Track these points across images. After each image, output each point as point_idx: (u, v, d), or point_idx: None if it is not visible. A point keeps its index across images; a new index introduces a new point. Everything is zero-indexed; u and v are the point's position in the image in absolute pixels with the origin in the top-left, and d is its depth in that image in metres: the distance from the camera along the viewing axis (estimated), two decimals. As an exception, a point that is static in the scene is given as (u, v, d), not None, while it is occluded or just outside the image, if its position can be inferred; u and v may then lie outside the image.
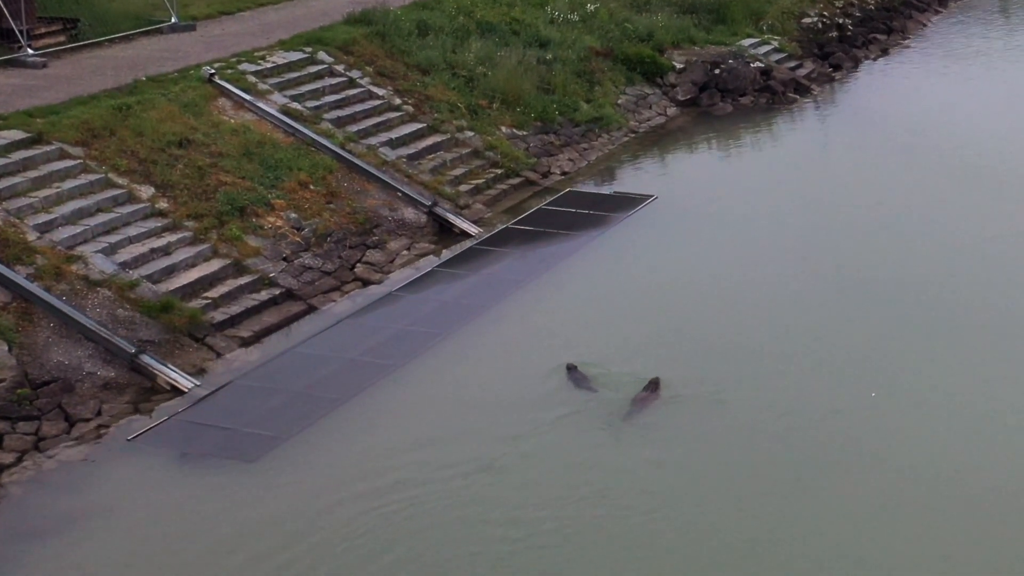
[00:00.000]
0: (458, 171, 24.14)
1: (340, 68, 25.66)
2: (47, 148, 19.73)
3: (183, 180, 20.19)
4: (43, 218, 18.31)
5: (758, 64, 32.43)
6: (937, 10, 43.52)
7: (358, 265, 20.40)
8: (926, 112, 30.09)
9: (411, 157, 23.83)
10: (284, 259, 19.67)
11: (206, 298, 18.22)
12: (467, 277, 20.26)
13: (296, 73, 24.95)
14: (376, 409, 16.05)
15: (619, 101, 29.47)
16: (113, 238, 18.54)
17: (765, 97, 31.49)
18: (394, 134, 24.32)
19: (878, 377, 16.48)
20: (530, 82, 27.40)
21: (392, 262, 20.78)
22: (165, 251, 18.78)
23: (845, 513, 13.52)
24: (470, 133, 25.38)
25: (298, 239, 20.20)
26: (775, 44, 34.48)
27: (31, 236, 17.89)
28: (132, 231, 18.85)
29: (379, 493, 14.03)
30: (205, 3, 30.21)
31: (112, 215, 18.97)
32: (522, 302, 19.27)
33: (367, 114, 24.67)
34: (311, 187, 21.49)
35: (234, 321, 18.06)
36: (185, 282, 18.29)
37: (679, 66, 31.60)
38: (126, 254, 18.36)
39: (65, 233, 18.21)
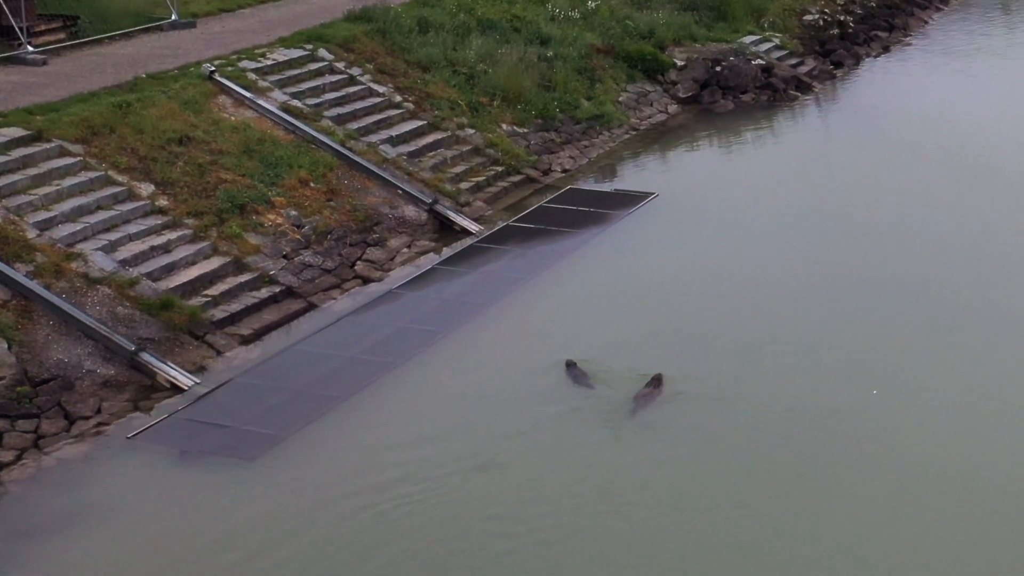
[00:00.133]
0: (459, 168, 24.12)
1: (340, 65, 25.63)
2: (47, 145, 19.71)
3: (183, 178, 20.17)
4: (43, 216, 18.29)
5: (759, 61, 32.38)
6: (939, 7, 43.47)
7: (358, 263, 20.38)
8: (927, 109, 30.05)
9: (412, 154, 23.80)
10: (284, 257, 19.65)
11: (206, 296, 18.21)
12: (467, 275, 20.24)
13: (296, 70, 24.92)
14: (376, 407, 16.03)
15: (620, 98, 29.44)
16: (113, 236, 18.52)
17: (766, 94, 31.45)
18: (394, 131, 24.29)
19: (879, 375, 16.45)
20: (531, 79, 27.37)
21: (392, 260, 20.76)
22: (165, 249, 18.76)
23: (846, 511, 13.50)
24: (471, 130, 25.35)
25: (298, 237, 20.18)
26: (776, 41, 34.44)
27: (31, 234, 17.87)
28: (132, 229, 18.84)
29: (379, 491, 14.02)
30: (205, 0, 30.18)
31: (112, 213, 18.95)
32: (523, 300, 19.25)
33: (367, 111, 24.65)
34: (311, 185, 21.46)
35: (234, 319, 18.04)
36: (185, 280, 18.28)
37: (680, 63, 31.58)
38: (126, 252, 18.34)
39: (65, 231, 18.19)
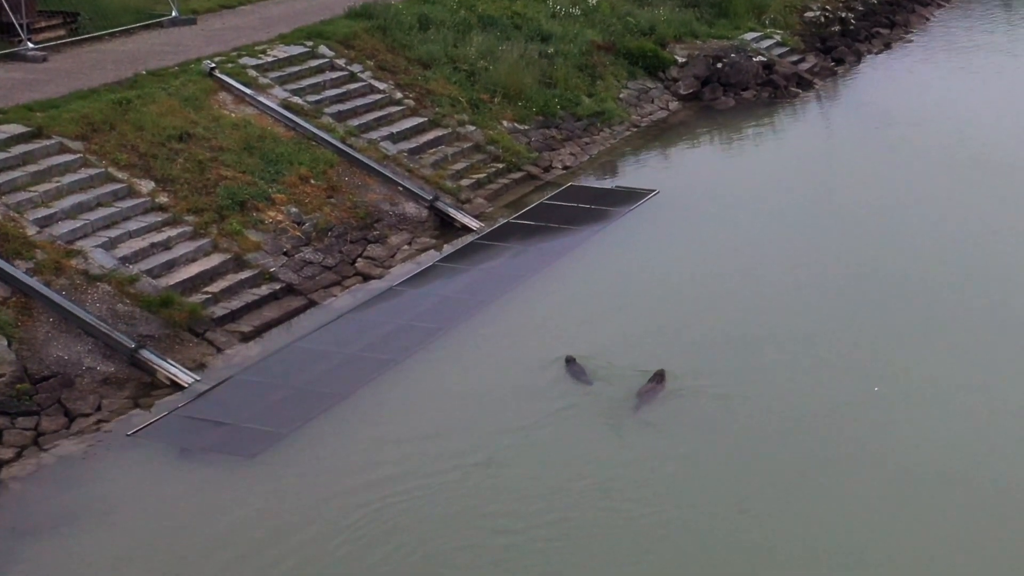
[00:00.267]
0: (459, 165, 24.09)
1: (341, 62, 25.59)
2: (47, 142, 19.69)
3: (183, 174, 20.14)
4: (43, 212, 18.27)
5: (760, 58, 32.34)
6: (940, 4, 43.42)
7: (359, 260, 20.36)
8: (928, 106, 30.00)
9: (412, 151, 23.77)
10: (285, 254, 19.62)
11: (206, 293, 18.18)
12: (468, 272, 20.21)
13: (297, 67, 24.89)
14: (377, 404, 16.01)
15: (621, 95, 29.40)
16: (113, 232, 18.49)
17: (767, 91, 31.40)
18: (395, 128, 24.26)
19: (881, 372, 16.43)
20: (532, 76, 27.34)
21: (393, 257, 20.74)
22: (165, 246, 18.73)
23: (848, 508, 13.48)
24: (471, 127, 25.32)
25: (299, 234, 20.15)
26: (777, 38, 34.40)
27: (31, 231, 17.84)
28: (132, 226, 18.81)
29: (379, 488, 14.00)
30: (206, -3, 30.17)
31: (112, 209, 18.92)
32: (523, 297, 19.22)
33: (368, 108, 24.61)
34: (312, 182, 21.43)
35: (234, 316, 18.02)
36: (185, 277, 18.25)
37: (681, 60, 31.54)
38: (126, 249, 18.31)
39: (65, 228, 18.16)
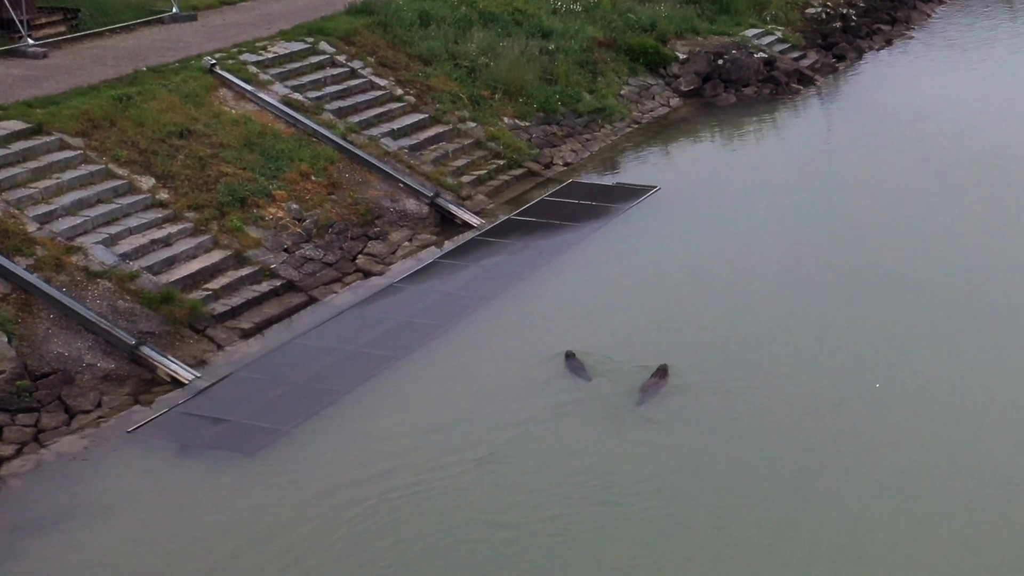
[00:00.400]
0: (460, 162, 24.07)
1: (342, 58, 25.57)
2: (47, 139, 19.67)
3: (184, 171, 20.13)
4: (43, 209, 18.25)
5: (762, 55, 32.31)
6: (942, 1, 43.37)
7: (359, 256, 20.34)
8: (929, 102, 29.97)
9: (413, 148, 23.75)
10: (285, 250, 19.61)
11: (207, 289, 18.17)
12: (469, 268, 20.19)
13: (297, 63, 24.87)
14: (377, 401, 16.00)
15: (622, 92, 29.37)
16: (113, 229, 18.48)
17: (768, 88, 31.38)
18: (396, 125, 24.24)
19: (882, 368, 16.41)
20: (532, 72, 27.31)
21: (394, 253, 20.72)
22: (165, 242, 18.72)
23: (849, 504, 13.47)
24: (472, 124, 25.30)
25: (299, 230, 20.13)
26: (779, 34, 34.37)
27: (31, 227, 17.83)
28: (132, 222, 18.80)
29: (379, 484, 13.99)
30: (206, -7, 30.15)
31: (112, 206, 18.91)
32: (524, 293, 19.21)
33: (369, 105, 24.59)
34: (312, 178, 21.42)
35: (235, 312, 18.01)
36: (185, 273, 18.24)
37: (682, 56, 31.50)
38: (126, 245, 18.30)
39: (65, 224, 18.15)
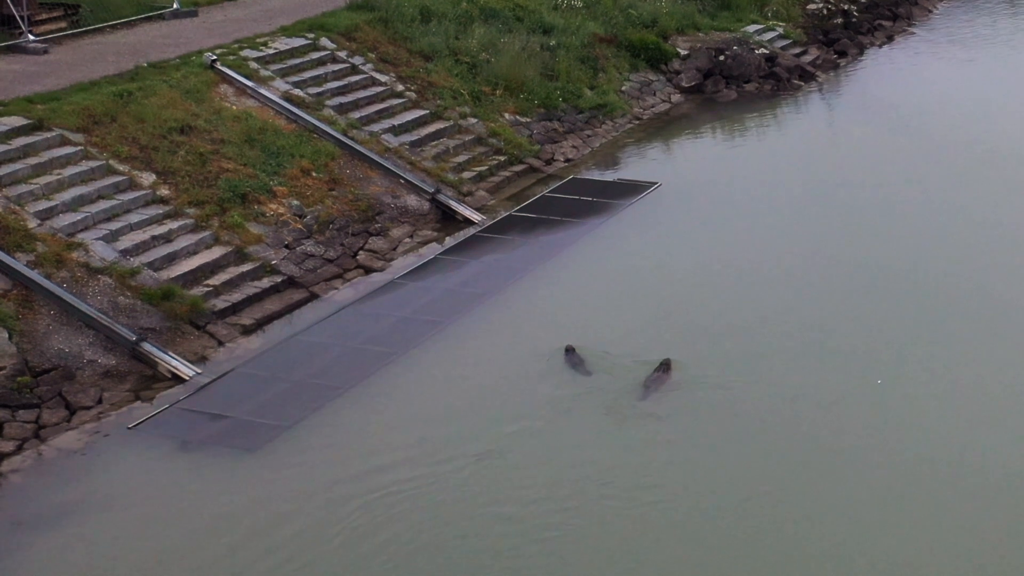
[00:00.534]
0: (461, 158, 24.05)
1: (343, 54, 25.55)
2: (48, 135, 19.65)
3: (184, 167, 20.11)
4: (44, 205, 18.24)
5: (763, 51, 32.29)
6: (943, -4, 43.37)
7: (360, 252, 20.33)
8: (931, 99, 29.97)
9: (414, 144, 23.73)
10: (286, 246, 19.60)
11: (207, 285, 18.16)
12: (470, 264, 20.18)
13: (298, 59, 24.85)
14: (378, 397, 15.99)
15: (623, 88, 29.36)
16: (114, 225, 18.47)
17: (770, 84, 31.36)
18: (397, 121, 24.22)
19: (884, 363, 16.41)
20: (533, 69, 27.29)
21: (395, 249, 20.71)
22: (166, 238, 18.71)
23: (851, 499, 13.46)
24: (473, 120, 25.28)
25: (300, 226, 20.12)
26: (780, 30, 34.35)
27: (32, 223, 17.82)
28: (133, 218, 18.79)
29: (381, 479, 13.98)
30: (207, -11, 30.12)
31: (113, 202, 18.90)
32: (525, 290, 19.20)
33: (370, 101, 24.58)
34: (313, 174, 21.40)
35: (236, 309, 18.00)
36: (186, 269, 18.23)
37: (683, 53, 31.49)
38: (127, 241, 18.29)
39: (66, 220, 18.14)
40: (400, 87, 25.34)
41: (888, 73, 33.08)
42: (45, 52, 24.20)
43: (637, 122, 28.34)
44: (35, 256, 17.21)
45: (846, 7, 37.17)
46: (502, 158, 24.62)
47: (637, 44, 30.81)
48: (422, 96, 25.35)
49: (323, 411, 15.58)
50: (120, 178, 19.41)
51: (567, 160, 25.54)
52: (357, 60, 25.57)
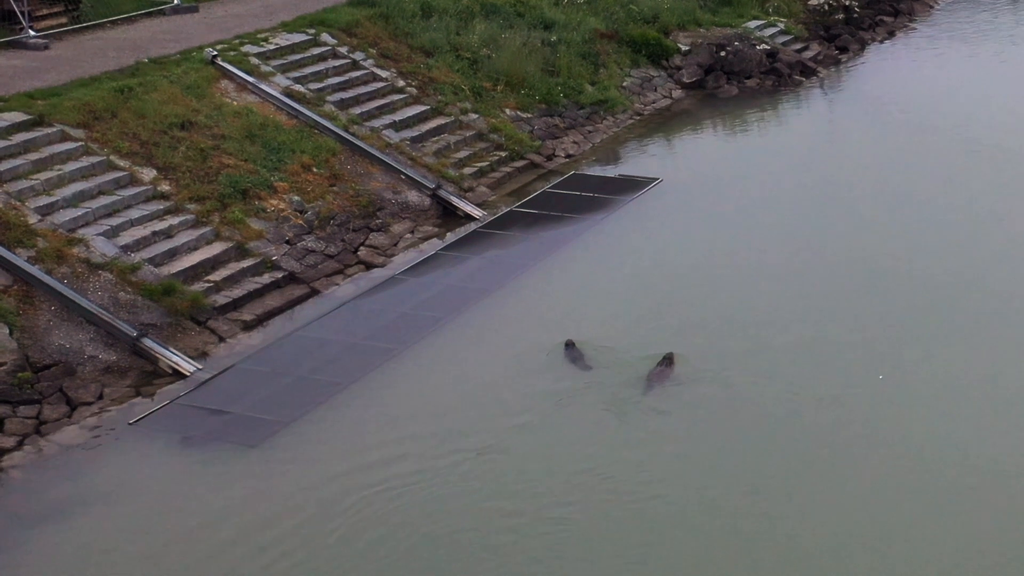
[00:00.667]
0: (462, 154, 24.04)
1: (343, 50, 25.53)
2: (48, 130, 19.65)
3: (185, 163, 20.10)
4: (44, 200, 18.24)
5: (764, 46, 32.25)
6: (944, -8, 43.29)
7: (361, 248, 20.32)
8: (932, 94, 29.92)
9: (415, 140, 23.72)
10: (287, 242, 19.59)
11: (208, 281, 18.15)
12: (471, 260, 20.17)
13: (299, 55, 24.83)
14: (379, 393, 15.99)
15: (624, 83, 29.33)
16: (115, 221, 18.47)
17: (771, 79, 31.31)
18: (398, 116, 24.21)
19: (885, 359, 16.39)
20: (535, 64, 27.27)
21: (395, 245, 20.70)
22: (167, 234, 18.70)
23: (853, 494, 13.46)
24: (474, 115, 25.26)
25: (301, 222, 20.12)
26: (781, 26, 34.31)
27: (32, 219, 17.81)
28: (134, 214, 18.78)
29: (381, 474, 13.99)
30: (208, -15, 30.09)
31: (114, 198, 18.89)
32: (526, 285, 19.19)
33: (370, 96, 24.56)
34: (314, 170, 21.39)
35: (236, 304, 17.99)
36: (187, 265, 18.22)
37: (685, 48, 31.45)
38: (128, 237, 18.29)
39: (66, 216, 18.13)
40: (401, 83, 25.32)
41: (889, 69, 33.04)
42: (46, 48, 24.19)
43: (638, 118, 28.32)
44: (36, 252, 17.21)
45: (847, 3, 37.11)
46: (503, 154, 24.60)
47: (638, 40, 30.78)
48: (423, 92, 25.33)
49: (324, 406, 15.59)
50: (121, 174, 19.40)
51: (568, 156, 25.52)
52: (358, 56, 25.55)
